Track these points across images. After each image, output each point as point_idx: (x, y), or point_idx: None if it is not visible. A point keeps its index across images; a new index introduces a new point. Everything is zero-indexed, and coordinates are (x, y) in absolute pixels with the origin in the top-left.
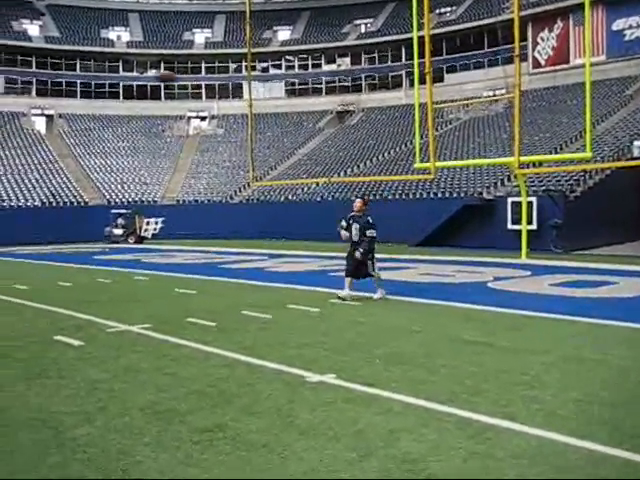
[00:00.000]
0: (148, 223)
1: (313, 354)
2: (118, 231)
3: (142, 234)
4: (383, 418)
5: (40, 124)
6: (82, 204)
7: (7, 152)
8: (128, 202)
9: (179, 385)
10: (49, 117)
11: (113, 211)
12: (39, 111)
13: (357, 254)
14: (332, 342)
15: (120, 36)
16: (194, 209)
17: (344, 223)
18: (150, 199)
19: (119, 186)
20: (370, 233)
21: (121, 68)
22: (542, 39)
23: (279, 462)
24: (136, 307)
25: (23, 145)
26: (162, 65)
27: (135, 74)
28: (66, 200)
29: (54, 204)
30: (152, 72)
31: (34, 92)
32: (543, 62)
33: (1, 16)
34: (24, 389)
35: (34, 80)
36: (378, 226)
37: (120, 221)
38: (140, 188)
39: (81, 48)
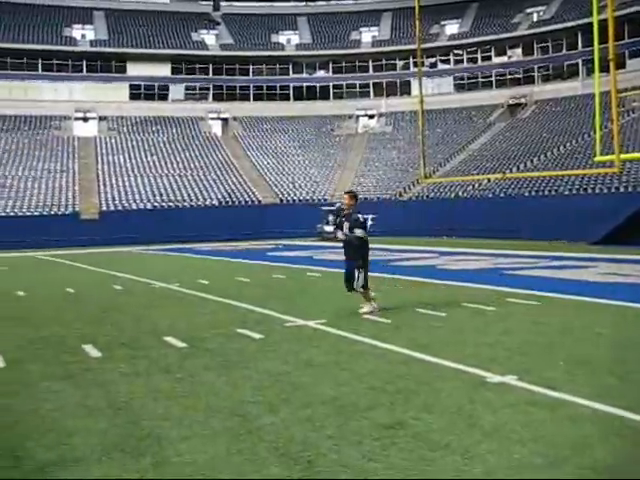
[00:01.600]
0: None
1: (492, 354)
2: (329, 228)
3: None
4: (571, 424)
5: (216, 127)
6: (256, 203)
7: (187, 154)
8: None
9: (357, 380)
10: (224, 120)
11: (324, 208)
12: (215, 115)
13: (339, 234)
14: (511, 342)
15: (290, 39)
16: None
17: (331, 218)
18: (320, 197)
19: (290, 185)
20: (359, 233)
21: (291, 70)
22: None
23: (462, 463)
24: (311, 303)
25: (201, 147)
26: (330, 65)
27: (305, 75)
28: (241, 199)
29: (230, 203)
30: (321, 73)
31: (211, 97)
32: None
33: (182, 29)
34: (213, 378)
35: (211, 86)
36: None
37: (331, 218)
38: (311, 187)
39: (253, 53)
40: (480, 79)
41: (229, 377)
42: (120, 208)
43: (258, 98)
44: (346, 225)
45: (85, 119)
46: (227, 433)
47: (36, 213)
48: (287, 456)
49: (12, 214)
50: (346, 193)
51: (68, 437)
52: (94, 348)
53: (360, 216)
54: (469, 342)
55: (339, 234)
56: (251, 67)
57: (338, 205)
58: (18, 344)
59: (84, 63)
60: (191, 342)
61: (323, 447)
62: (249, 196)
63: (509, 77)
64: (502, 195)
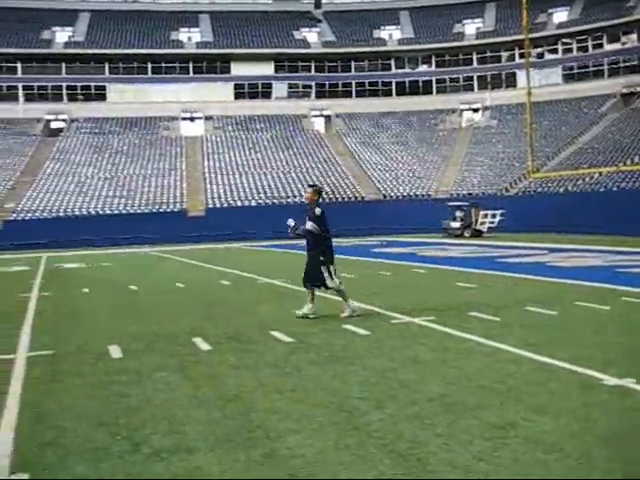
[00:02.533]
0: (485, 216)
1: (607, 355)
2: (455, 224)
3: (478, 227)
4: None
5: (319, 124)
6: (359, 199)
7: (290, 152)
8: (423, 195)
9: (466, 379)
10: (327, 117)
11: (450, 204)
12: (318, 112)
13: (309, 225)
14: (629, 343)
15: (391, 34)
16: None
17: (458, 214)
18: (423, 193)
19: (393, 181)
20: (309, 226)
21: (393, 65)
22: None
23: (578, 468)
24: (417, 299)
25: (304, 145)
26: (433, 59)
27: (407, 70)
28: (344, 195)
29: (333, 200)
30: (423, 67)
31: (313, 95)
32: None
33: (284, 28)
34: (319, 373)
35: (313, 83)
36: None
37: (458, 214)
38: (414, 182)
39: (355, 49)
40: (591, 68)
41: (335, 372)
42: (225, 205)
43: (360, 94)
44: (306, 220)
45: (192, 119)
46: (334, 428)
47: (146, 210)
48: (396, 453)
49: (124, 211)
50: (310, 187)
51: (181, 426)
52: (204, 341)
53: (318, 210)
54: (582, 342)
55: (297, 229)
56: (353, 64)
57: (464, 203)
58: (133, 336)
59: (190, 65)
60: (297, 337)
61: (432, 445)
62: (352, 193)
63: (622, 65)
64: (615, 189)
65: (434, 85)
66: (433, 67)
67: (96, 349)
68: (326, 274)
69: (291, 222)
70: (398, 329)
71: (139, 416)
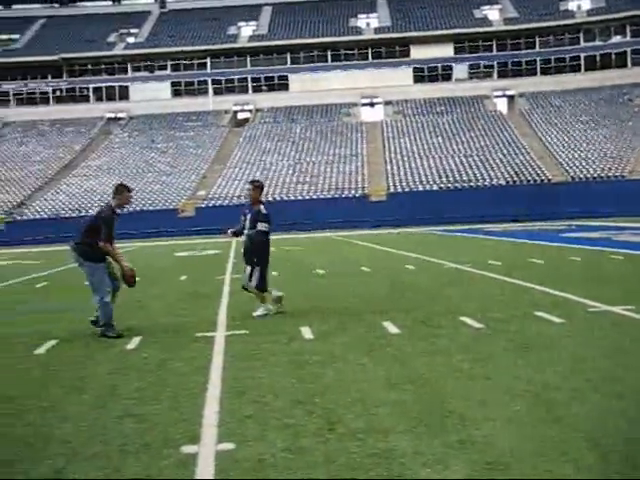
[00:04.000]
0: None
1: None
2: None
3: None
4: None
5: (501, 105)
6: (545, 181)
7: (472, 134)
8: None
9: None
10: (510, 97)
11: None
12: (500, 92)
13: (262, 227)
14: None
15: (580, 5)
16: None
17: (230, 232)
18: (617, 174)
19: (582, 162)
20: (263, 227)
21: (582, 39)
22: None
23: None
24: (613, 287)
25: (486, 126)
26: (628, 29)
27: (597, 43)
28: (529, 178)
29: (517, 182)
30: (617, 38)
31: (495, 74)
32: None
33: (463, 6)
34: (512, 360)
35: (495, 63)
36: None
37: None
38: (605, 163)
39: (540, 25)
40: None
41: (529, 360)
42: (407, 189)
43: (545, 72)
44: (248, 218)
45: (371, 104)
46: (532, 418)
47: (328, 196)
48: (602, 448)
49: (307, 197)
50: (251, 184)
51: (374, 407)
52: (392, 324)
53: (263, 208)
54: None
55: (229, 231)
56: (537, 39)
57: None
58: (323, 318)
59: (369, 51)
60: (487, 323)
61: None
62: (537, 175)
63: None
64: None
65: (629, 57)
66: (628, 37)
67: (288, 330)
68: (248, 273)
69: (230, 232)
70: (595, 318)
71: (333, 396)
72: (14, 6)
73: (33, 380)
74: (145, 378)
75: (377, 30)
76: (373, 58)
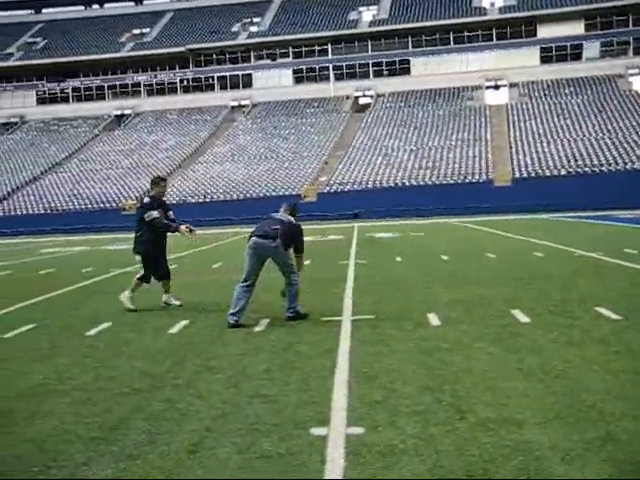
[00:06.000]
0: None
1: None
2: None
3: None
4: None
5: (638, 84)
6: None
7: (604, 116)
8: None
9: None
10: None
11: None
12: (636, 70)
13: (182, 227)
14: None
15: None
16: None
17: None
18: None
19: None
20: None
21: None
22: None
23: None
24: None
25: (619, 107)
26: None
27: None
28: None
29: None
30: None
31: (631, 52)
32: None
33: None
34: None
35: (630, 39)
36: None
37: None
38: None
39: None
40: None
41: None
42: (533, 174)
43: None
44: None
45: (496, 87)
46: None
47: (451, 181)
48: None
49: (429, 183)
50: (162, 180)
51: (506, 398)
52: (521, 313)
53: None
54: None
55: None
56: None
57: None
58: (449, 304)
59: (493, 31)
60: (625, 314)
61: None
62: None
63: None
64: None
65: None
66: None
67: (414, 316)
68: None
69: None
70: None
71: (462, 384)
72: (145, 2)
73: (167, 358)
74: (273, 360)
75: (502, 10)
76: (497, 39)
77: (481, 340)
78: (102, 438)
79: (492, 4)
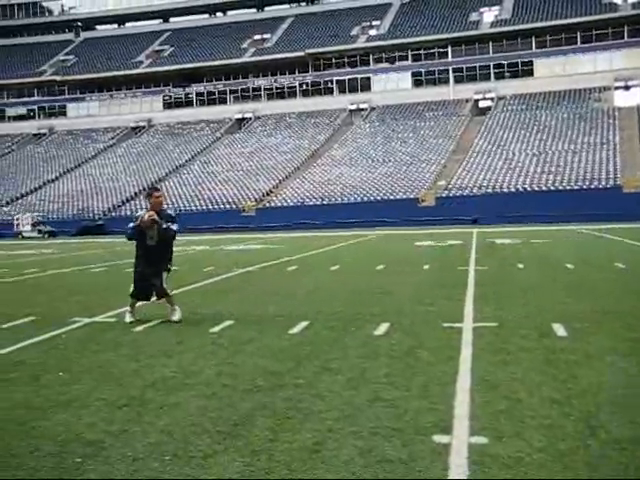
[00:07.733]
0: None
1: None
2: None
3: None
4: None
5: None
6: None
7: None
8: None
9: None
10: None
11: None
12: None
13: (176, 227)
14: None
15: None
16: None
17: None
18: None
19: None
20: (176, 227)
21: None
22: None
23: None
24: None
25: None
26: None
27: None
28: None
29: None
30: None
31: None
32: None
33: None
34: None
35: None
36: None
37: None
38: None
39: None
40: None
41: None
42: None
43: None
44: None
45: (626, 87)
46: None
47: (575, 187)
48: None
49: (552, 188)
50: (156, 191)
51: None
52: None
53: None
54: None
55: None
56: None
57: None
58: (575, 315)
59: (624, 29)
60: None
61: None
62: None
63: None
64: None
65: None
66: None
67: (538, 325)
68: (164, 279)
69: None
70: None
71: (592, 399)
72: (266, 8)
73: (289, 358)
74: (393, 364)
75: (635, 5)
76: (629, 37)
77: (612, 354)
78: (227, 432)
79: (626, 0)
